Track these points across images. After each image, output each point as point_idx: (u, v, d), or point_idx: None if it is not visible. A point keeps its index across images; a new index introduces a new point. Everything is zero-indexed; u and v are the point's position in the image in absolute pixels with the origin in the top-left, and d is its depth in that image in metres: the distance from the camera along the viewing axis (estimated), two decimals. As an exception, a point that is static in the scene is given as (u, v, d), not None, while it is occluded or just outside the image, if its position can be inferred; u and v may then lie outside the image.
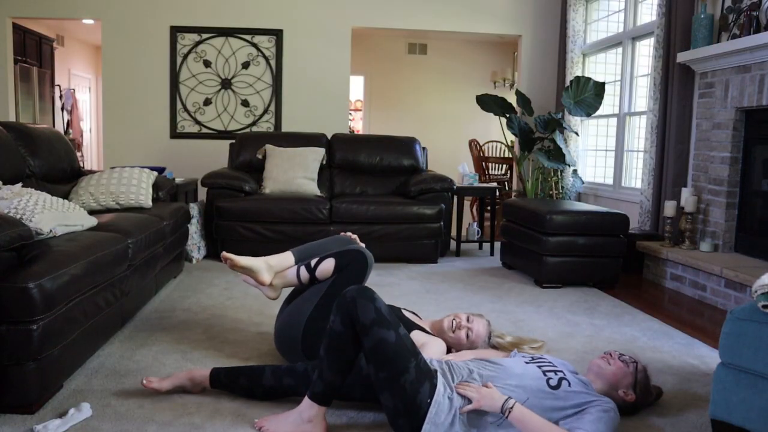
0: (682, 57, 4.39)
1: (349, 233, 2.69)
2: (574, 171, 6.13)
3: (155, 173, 3.86)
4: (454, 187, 4.96)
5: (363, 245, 2.61)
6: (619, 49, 5.81)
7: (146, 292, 3.23)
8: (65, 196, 3.51)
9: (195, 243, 4.58)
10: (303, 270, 2.45)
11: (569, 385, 1.94)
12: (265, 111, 6.44)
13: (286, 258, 2.52)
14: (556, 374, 1.97)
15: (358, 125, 11.40)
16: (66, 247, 2.26)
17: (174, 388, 2.20)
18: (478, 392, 1.86)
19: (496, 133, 9.38)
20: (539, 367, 2.01)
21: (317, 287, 2.45)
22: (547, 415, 1.87)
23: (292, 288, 2.60)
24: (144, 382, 2.18)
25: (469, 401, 1.86)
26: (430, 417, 1.81)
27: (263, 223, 4.54)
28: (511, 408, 1.81)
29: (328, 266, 2.42)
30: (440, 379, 1.90)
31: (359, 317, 1.85)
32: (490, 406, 1.84)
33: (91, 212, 3.30)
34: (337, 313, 1.90)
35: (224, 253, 2.44)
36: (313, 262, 2.45)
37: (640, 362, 2.16)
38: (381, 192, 5.18)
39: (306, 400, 1.94)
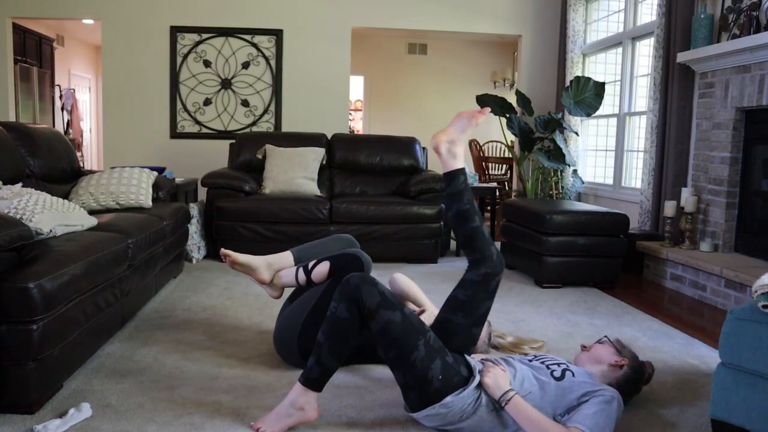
0: (682, 57, 4.39)
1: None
2: (574, 171, 6.13)
3: (155, 173, 3.86)
4: (454, 187, 4.95)
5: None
6: (619, 49, 5.81)
7: (146, 292, 3.23)
8: (65, 196, 3.51)
9: (195, 243, 4.58)
10: (301, 272, 2.46)
11: (573, 375, 1.96)
12: (265, 111, 6.44)
13: (286, 257, 2.53)
14: (559, 366, 2.00)
15: (358, 125, 11.40)
16: (66, 247, 2.26)
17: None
18: (488, 369, 1.91)
19: (496, 133, 9.38)
20: (542, 362, 2.05)
21: (313, 290, 2.45)
22: (553, 406, 1.90)
23: (293, 288, 2.60)
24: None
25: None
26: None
27: (263, 223, 4.54)
28: (509, 399, 1.83)
29: (323, 269, 2.42)
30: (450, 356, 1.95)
31: (365, 302, 1.86)
32: (492, 388, 1.86)
33: (91, 212, 3.30)
34: (341, 300, 1.90)
35: (223, 250, 2.44)
36: (310, 264, 2.46)
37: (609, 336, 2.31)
38: (381, 192, 5.18)
39: (298, 387, 1.93)
